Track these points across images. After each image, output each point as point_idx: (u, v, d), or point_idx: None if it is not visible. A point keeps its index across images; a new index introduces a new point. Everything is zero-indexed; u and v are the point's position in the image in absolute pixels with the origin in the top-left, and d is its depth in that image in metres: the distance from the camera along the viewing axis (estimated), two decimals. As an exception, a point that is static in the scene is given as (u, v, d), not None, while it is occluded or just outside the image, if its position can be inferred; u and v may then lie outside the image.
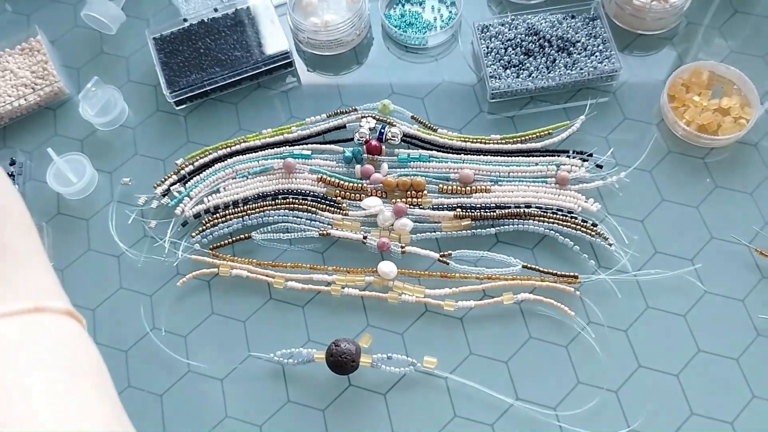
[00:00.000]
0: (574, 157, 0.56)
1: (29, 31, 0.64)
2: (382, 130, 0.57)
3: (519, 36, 0.59)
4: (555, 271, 0.52)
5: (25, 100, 0.60)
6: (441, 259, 0.53)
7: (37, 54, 0.63)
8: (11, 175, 0.59)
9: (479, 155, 0.57)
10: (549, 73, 0.58)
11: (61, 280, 0.54)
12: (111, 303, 0.55)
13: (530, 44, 0.59)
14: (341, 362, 0.48)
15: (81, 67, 0.64)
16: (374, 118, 0.58)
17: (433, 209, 0.55)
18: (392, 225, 0.54)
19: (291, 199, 0.56)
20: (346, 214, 0.55)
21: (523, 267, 0.52)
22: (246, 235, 0.55)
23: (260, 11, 0.62)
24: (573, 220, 0.54)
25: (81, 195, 0.58)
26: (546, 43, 0.59)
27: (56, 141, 0.61)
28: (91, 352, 0.27)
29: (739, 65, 0.57)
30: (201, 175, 0.58)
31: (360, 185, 0.56)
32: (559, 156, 0.56)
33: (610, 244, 0.53)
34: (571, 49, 0.59)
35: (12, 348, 0.24)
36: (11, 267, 0.28)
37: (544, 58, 0.58)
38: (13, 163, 0.59)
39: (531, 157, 0.56)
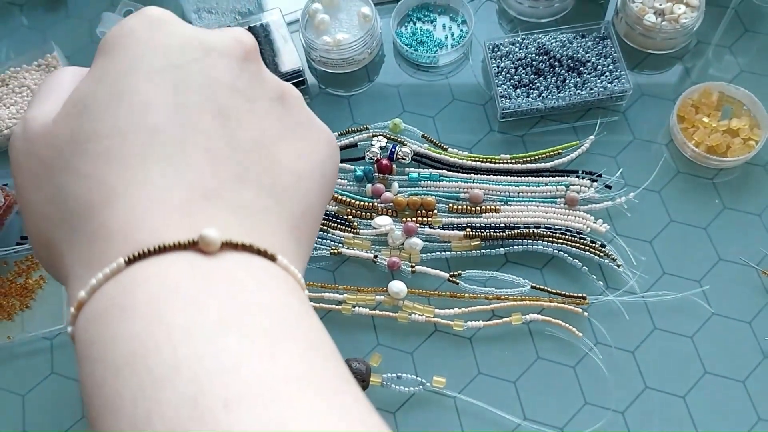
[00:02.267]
0: (583, 178, 0.56)
1: (45, 48, 0.65)
2: (393, 150, 0.58)
3: (529, 55, 0.60)
4: (563, 292, 0.53)
5: (42, 117, 0.61)
6: (450, 279, 0.54)
7: (54, 70, 0.64)
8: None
9: (489, 175, 0.57)
10: (559, 92, 0.58)
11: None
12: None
13: (540, 63, 0.59)
14: (352, 382, 0.49)
15: (96, 83, 0.65)
16: (385, 137, 0.59)
17: (443, 229, 0.55)
18: (402, 244, 0.55)
19: (303, 218, 0.56)
20: (357, 233, 0.56)
21: (532, 287, 0.53)
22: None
23: (273, 29, 0.63)
24: (582, 240, 0.54)
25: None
26: (556, 63, 0.59)
27: (72, 157, 0.62)
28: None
29: (748, 85, 0.58)
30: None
31: (371, 204, 0.57)
32: (568, 176, 0.57)
33: (619, 265, 0.53)
34: (582, 68, 0.59)
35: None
36: None
37: (554, 78, 0.59)
38: (30, 180, 0.60)
39: (540, 177, 0.57)
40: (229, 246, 0.24)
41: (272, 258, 0.25)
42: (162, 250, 0.23)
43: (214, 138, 0.27)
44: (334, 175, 0.33)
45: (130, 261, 0.23)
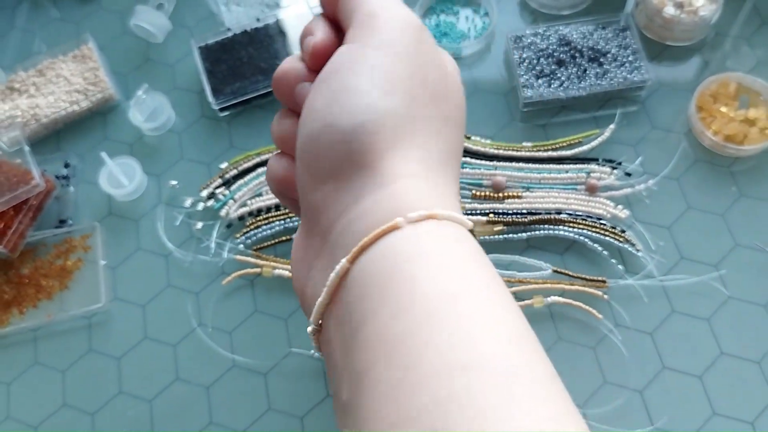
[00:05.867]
0: (603, 165, 0.58)
1: (80, 39, 0.67)
2: (418, 138, 0.59)
3: (551, 46, 0.61)
4: (584, 276, 0.54)
5: (78, 106, 0.64)
6: (474, 262, 0.55)
7: (89, 61, 0.66)
8: (66, 178, 0.62)
9: (511, 162, 0.59)
10: (580, 83, 0.60)
11: (112, 277, 0.58)
12: (160, 300, 0.58)
13: (562, 54, 0.61)
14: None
15: (129, 74, 0.68)
16: (410, 125, 0.60)
17: (467, 214, 0.57)
18: (427, 229, 0.57)
19: (330, 203, 0.58)
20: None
21: (553, 271, 0.55)
22: (288, 237, 0.58)
23: (300, 21, 0.65)
24: (602, 226, 0.56)
25: (131, 197, 0.61)
26: (577, 54, 0.61)
27: (106, 145, 0.64)
28: None
29: (766, 76, 0.59)
30: (244, 179, 0.61)
31: (396, 190, 0.59)
32: (589, 164, 0.58)
33: (638, 250, 0.55)
34: (602, 59, 0.60)
35: None
36: None
37: (575, 68, 0.60)
38: (67, 166, 0.62)
39: (562, 165, 0.59)
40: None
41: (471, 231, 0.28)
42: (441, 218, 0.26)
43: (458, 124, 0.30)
44: None
45: (426, 217, 0.25)
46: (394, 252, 0.24)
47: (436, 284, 0.23)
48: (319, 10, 0.33)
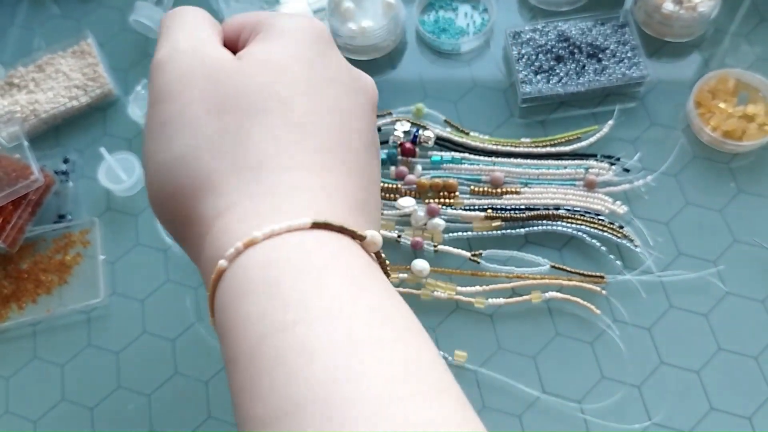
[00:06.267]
0: (601, 161, 0.58)
1: (80, 35, 0.67)
2: (416, 133, 0.60)
3: (550, 42, 0.61)
4: (582, 271, 0.54)
5: (78, 101, 0.64)
6: (472, 258, 0.56)
7: (88, 57, 0.66)
8: (65, 173, 0.62)
9: (510, 158, 0.59)
10: (579, 78, 0.60)
11: (111, 272, 0.58)
12: (159, 295, 0.58)
13: (561, 50, 0.61)
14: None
15: (128, 70, 0.68)
16: (408, 121, 0.60)
17: (465, 210, 0.57)
18: (425, 224, 0.57)
19: (329, 199, 0.58)
20: (381, 214, 0.58)
21: (551, 267, 0.55)
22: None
23: (300, 17, 0.65)
24: (600, 222, 0.56)
25: (130, 192, 0.61)
26: (576, 50, 0.61)
27: (105, 140, 0.64)
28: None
29: (764, 73, 0.59)
30: (243, 174, 0.60)
31: (395, 186, 0.59)
32: (587, 160, 0.58)
33: (636, 246, 0.55)
34: (601, 55, 0.60)
35: None
36: None
37: (574, 64, 0.60)
38: (66, 161, 0.63)
39: (560, 161, 0.59)
40: (354, 235, 0.27)
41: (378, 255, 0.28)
42: (341, 229, 0.26)
43: (333, 131, 0.29)
44: None
45: (316, 226, 0.25)
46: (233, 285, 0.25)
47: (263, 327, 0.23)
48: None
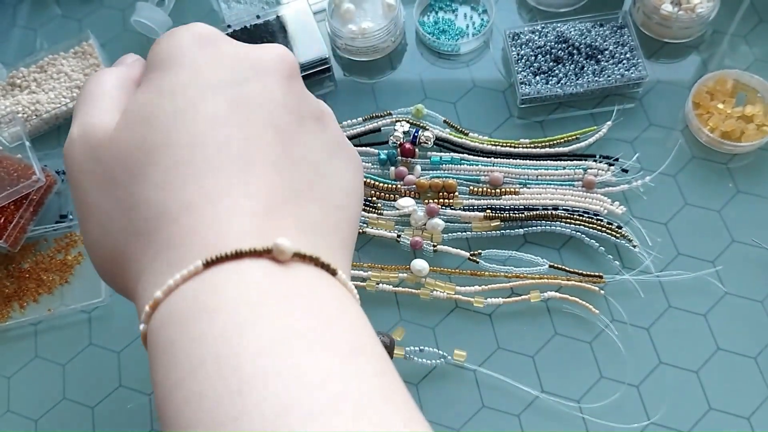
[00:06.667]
0: (600, 162, 0.58)
1: (81, 36, 0.68)
2: (416, 134, 0.60)
3: (549, 43, 0.62)
4: (580, 271, 0.55)
5: (79, 101, 0.64)
6: (471, 258, 0.56)
7: (90, 57, 0.66)
8: (64, 173, 0.62)
9: (509, 159, 0.59)
10: (577, 79, 0.60)
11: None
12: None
13: (559, 51, 0.61)
14: (377, 354, 0.51)
15: (129, 70, 0.68)
16: (408, 122, 0.61)
17: (464, 210, 0.57)
18: (425, 224, 0.57)
19: (329, 199, 0.59)
20: (381, 214, 0.58)
21: (550, 266, 0.55)
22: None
23: (300, 18, 0.65)
24: (599, 222, 0.56)
25: (131, 192, 0.62)
26: (575, 51, 0.61)
27: (107, 140, 0.65)
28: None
29: (763, 73, 0.59)
30: (244, 174, 0.61)
31: (394, 186, 0.59)
32: (585, 160, 0.59)
33: (634, 246, 0.55)
34: (599, 56, 0.61)
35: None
36: None
37: (573, 65, 0.61)
38: (67, 162, 0.63)
39: (559, 161, 0.59)
40: (298, 257, 0.26)
41: (333, 272, 0.27)
42: (238, 255, 0.24)
43: (277, 153, 0.28)
44: (363, 189, 0.34)
45: (208, 264, 0.24)
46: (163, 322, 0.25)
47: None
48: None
